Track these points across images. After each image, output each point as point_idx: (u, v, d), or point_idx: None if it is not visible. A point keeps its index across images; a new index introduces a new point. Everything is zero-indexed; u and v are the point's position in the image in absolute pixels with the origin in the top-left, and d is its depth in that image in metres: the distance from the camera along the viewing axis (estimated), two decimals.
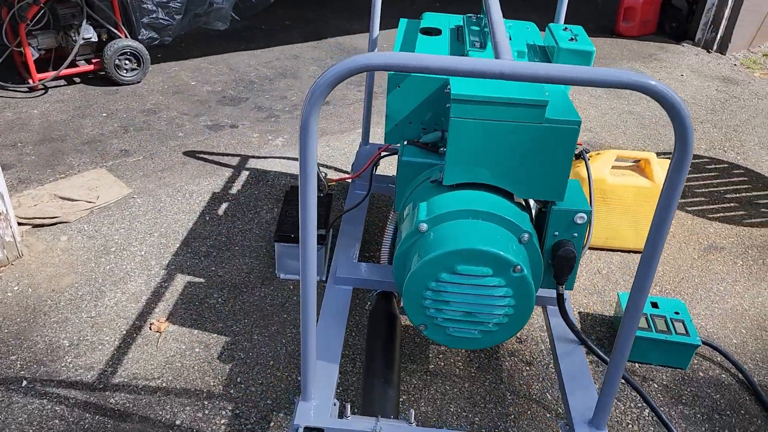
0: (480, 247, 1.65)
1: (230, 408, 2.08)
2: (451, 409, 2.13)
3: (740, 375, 2.36)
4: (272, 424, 2.03)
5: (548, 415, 2.14)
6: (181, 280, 2.61)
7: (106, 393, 2.10)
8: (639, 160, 2.94)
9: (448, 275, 1.69)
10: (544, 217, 1.89)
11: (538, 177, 1.79)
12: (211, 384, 2.16)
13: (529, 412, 2.14)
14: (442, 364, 2.30)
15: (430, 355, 2.34)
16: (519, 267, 1.67)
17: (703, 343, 2.41)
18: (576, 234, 1.87)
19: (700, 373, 2.36)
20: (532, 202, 2.00)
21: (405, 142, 2.08)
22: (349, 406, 1.73)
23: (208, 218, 3.02)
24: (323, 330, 2.02)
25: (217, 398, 2.11)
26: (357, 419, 1.73)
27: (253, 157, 3.59)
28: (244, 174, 3.41)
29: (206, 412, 2.06)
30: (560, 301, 1.97)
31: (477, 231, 1.71)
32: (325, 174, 3.28)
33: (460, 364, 2.31)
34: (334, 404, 1.78)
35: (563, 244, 1.85)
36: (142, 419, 2.02)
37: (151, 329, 2.37)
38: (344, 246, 2.41)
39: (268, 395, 2.13)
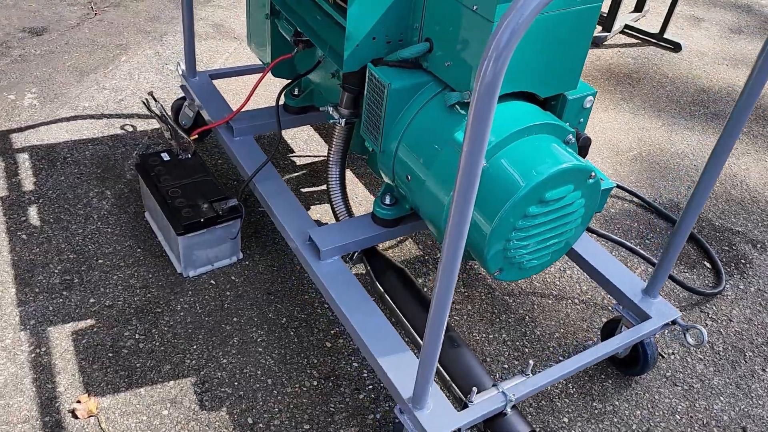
0: (564, 166, 1.45)
1: None
2: (476, 337, 1.99)
3: (636, 199, 2.67)
4: None
5: (549, 301, 2.15)
6: (61, 336, 1.83)
7: None
8: None
9: (536, 208, 1.47)
10: (551, 109, 1.74)
11: (561, 69, 1.60)
12: None
13: (536, 307, 2.12)
14: None
15: None
16: (594, 173, 1.53)
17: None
18: (582, 119, 1.77)
19: (612, 210, 2.60)
20: None
21: (372, 64, 1.66)
22: (476, 391, 1.47)
23: (25, 237, 2.12)
24: (364, 321, 1.63)
25: None
26: (481, 399, 1.49)
27: (13, 131, 2.57)
28: (22, 159, 2.43)
29: None
30: None
31: (545, 149, 1.49)
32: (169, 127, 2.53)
33: None
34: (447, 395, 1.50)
35: (578, 134, 1.75)
36: None
37: (78, 417, 1.64)
38: (290, 210, 1.93)
39: (299, 418, 1.70)
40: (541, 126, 1.54)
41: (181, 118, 2.52)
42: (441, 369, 1.62)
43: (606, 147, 2.96)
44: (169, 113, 2.51)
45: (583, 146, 1.74)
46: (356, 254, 1.90)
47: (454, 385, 1.57)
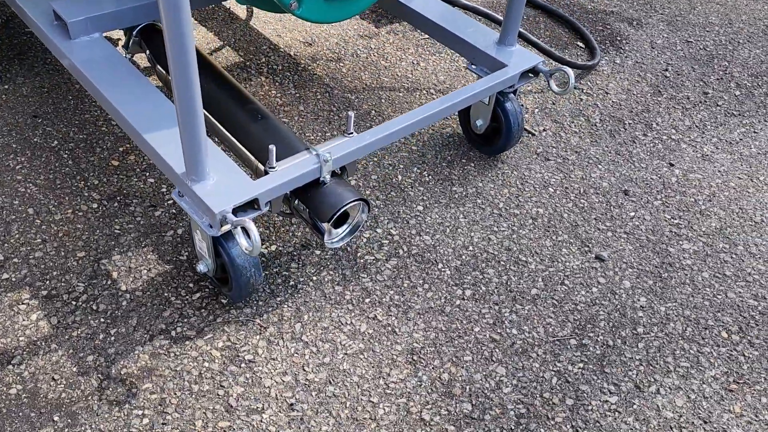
0: None
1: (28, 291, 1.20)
2: (311, 136, 1.61)
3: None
4: (113, 267, 1.25)
5: (401, 95, 1.78)
6: None
7: None
8: None
9: None
10: None
11: None
12: None
13: (384, 101, 1.75)
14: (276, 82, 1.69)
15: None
16: None
17: None
18: None
19: None
20: None
21: None
22: (274, 150, 1.09)
23: None
24: (132, 101, 1.20)
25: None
26: (286, 165, 1.12)
27: None
28: None
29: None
30: None
31: None
32: None
33: (288, 66, 1.73)
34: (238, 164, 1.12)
35: None
36: None
37: None
38: None
39: (70, 246, 1.28)
40: None
41: None
42: (241, 147, 1.23)
43: None
44: None
45: None
46: (132, 39, 1.44)
47: (254, 158, 1.19)
